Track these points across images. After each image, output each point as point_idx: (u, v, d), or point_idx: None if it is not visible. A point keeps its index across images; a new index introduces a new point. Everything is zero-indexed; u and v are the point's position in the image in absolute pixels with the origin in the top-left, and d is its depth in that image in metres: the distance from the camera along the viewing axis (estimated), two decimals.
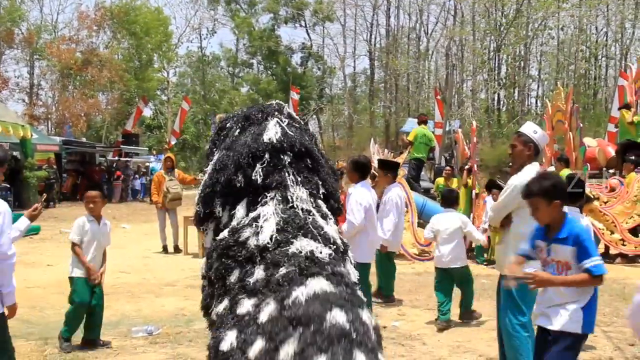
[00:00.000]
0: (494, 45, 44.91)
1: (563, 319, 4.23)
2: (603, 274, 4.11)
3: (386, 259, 9.27)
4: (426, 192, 17.49)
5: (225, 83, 58.81)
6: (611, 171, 15.53)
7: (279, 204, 3.96)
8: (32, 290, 9.39)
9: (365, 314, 3.50)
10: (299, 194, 4.05)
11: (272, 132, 4.28)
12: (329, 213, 4.17)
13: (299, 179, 4.13)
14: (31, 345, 6.82)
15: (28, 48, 44.76)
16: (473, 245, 12.61)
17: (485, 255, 13.02)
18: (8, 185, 21.17)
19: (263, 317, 3.35)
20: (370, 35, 50.31)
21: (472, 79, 45.25)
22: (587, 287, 4.20)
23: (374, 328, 3.48)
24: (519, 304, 5.38)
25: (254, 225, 3.83)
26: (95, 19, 45.24)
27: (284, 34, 53.97)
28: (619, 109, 17.53)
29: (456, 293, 8.29)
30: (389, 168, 9.66)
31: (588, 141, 17.41)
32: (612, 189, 13.80)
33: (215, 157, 4.44)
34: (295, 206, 3.98)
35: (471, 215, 13.65)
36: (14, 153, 24.49)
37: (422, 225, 14.29)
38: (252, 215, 3.95)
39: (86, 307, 6.80)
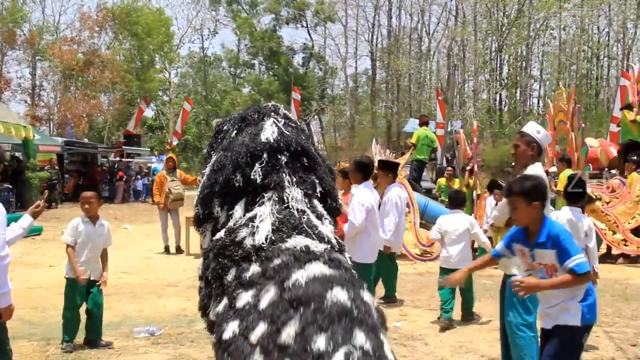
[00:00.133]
0: (495, 45, 44.86)
1: (563, 315, 4.26)
2: (588, 271, 4.10)
3: (388, 260, 9.26)
4: (428, 192, 17.50)
5: (226, 84, 58.84)
6: (613, 171, 15.51)
7: (275, 205, 3.99)
8: (34, 291, 9.39)
9: (366, 295, 3.52)
10: (294, 195, 4.08)
11: (269, 131, 4.32)
12: (324, 213, 4.20)
13: (294, 179, 4.17)
14: (33, 346, 6.82)
15: (30, 49, 44.83)
16: (475, 245, 12.59)
17: None
18: (10, 186, 21.18)
19: (263, 303, 3.38)
20: (372, 35, 50.35)
21: (474, 79, 45.23)
22: (576, 286, 4.19)
23: (376, 309, 3.49)
24: (526, 303, 5.40)
25: (250, 226, 3.87)
26: (97, 20, 45.28)
27: (286, 35, 54.22)
28: (621, 109, 17.51)
29: (457, 294, 8.29)
30: (389, 168, 9.67)
31: (590, 141, 17.40)
32: (613, 190, 13.78)
33: (213, 159, 4.48)
34: (290, 207, 4.01)
35: (473, 216, 13.64)
36: (16, 154, 24.53)
37: (424, 226, 14.32)
38: (248, 215, 3.98)
39: (76, 308, 6.79)
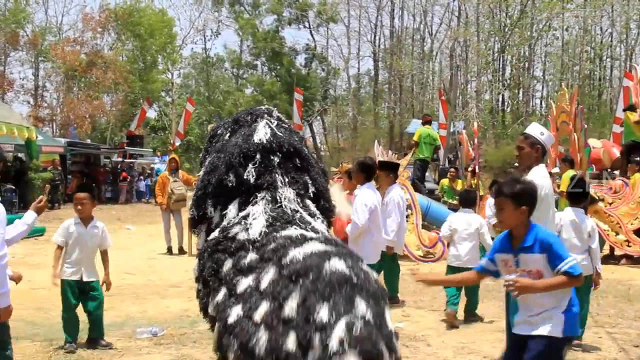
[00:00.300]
0: (498, 46, 44.82)
1: (545, 324, 4.15)
2: (581, 274, 4.05)
3: (390, 260, 9.26)
4: (430, 193, 17.49)
5: (229, 84, 58.84)
6: (616, 172, 15.49)
7: (268, 204, 4.05)
8: (37, 291, 9.39)
9: (364, 265, 3.61)
10: (287, 195, 4.15)
11: (261, 132, 4.38)
12: (317, 212, 4.26)
13: (287, 179, 4.24)
14: (36, 347, 6.82)
15: (33, 50, 44.85)
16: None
17: None
18: (13, 187, 21.21)
19: (264, 283, 3.44)
20: (375, 36, 50.30)
21: (477, 80, 45.14)
22: (568, 288, 4.13)
23: (376, 280, 3.56)
24: None
25: (243, 223, 3.93)
26: (100, 20, 45.30)
27: (288, 35, 54.13)
28: (624, 110, 17.49)
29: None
30: (390, 169, 9.68)
31: (593, 142, 17.38)
32: (615, 192, 13.76)
33: (207, 161, 4.53)
34: (283, 206, 4.08)
35: None
36: (19, 155, 24.57)
37: (426, 227, 14.31)
38: (241, 214, 4.03)
39: (73, 308, 6.79)
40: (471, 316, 8.21)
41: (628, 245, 13.08)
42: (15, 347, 4.97)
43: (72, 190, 29.24)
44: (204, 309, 3.90)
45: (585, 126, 14.96)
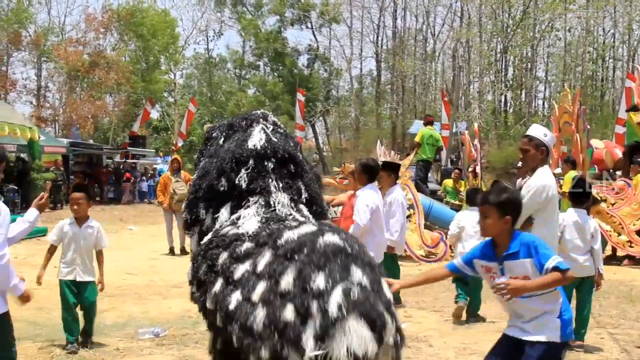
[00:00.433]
0: (500, 46, 44.82)
1: (541, 330, 4.09)
2: (569, 269, 3.98)
3: (390, 261, 9.26)
4: (433, 193, 17.49)
5: (231, 85, 58.86)
6: (618, 173, 15.49)
7: (261, 208, 4.09)
8: (38, 291, 9.35)
9: (359, 241, 3.65)
10: (281, 199, 4.21)
11: (256, 138, 4.43)
12: (310, 216, 4.30)
13: (281, 184, 4.29)
14: (38, 347, 6.84)
15: (35, 50, 44.89)
16: None
17: None
18: (16, 187, 21.25)
19: (260, 266, 3.48)
20: (377, 37, 50.25)
21: (479, 80, 45.15)
22: (563, 284, 4.07)
23: (370, 256, 3.61)
24: None
25: (235, 225, 3.98)
26: (103, 21, 45.33)
27: (291, 36, 54.07)
28: (627, 110, 17.49)
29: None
30: (391, 169, 9.69)
31: (595, 143, 17.40)
32: (617, 192, 13.75)
33: (200, 165, 4.60)
34: (277, 210, 4.14)
35: None
36: (22, 155, 24.61)
37: (428, 227, 14.32)
38: (233, 217, 4.08)
39: (72, 308, 6.80)
40: (473, 317, 8.22)
41: (630, 246, 13.07)
42: (17, 348, 4.96)
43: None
44: (202, 307, 3.92)
45: (588, 127, 14.97)
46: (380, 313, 3.28)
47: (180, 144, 31.38)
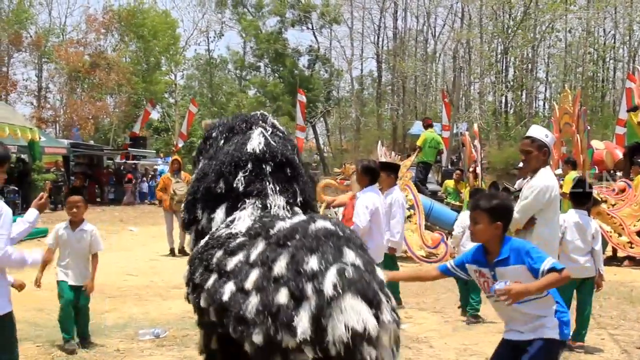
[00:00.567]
0: (501, 47, 44.85)
1: (540, 330, 4.09)
2: (564, 268, 3.93)
3: (390, 261, 9.26)
4: (433, 194, 17.49)
5: (232, 86, 58.86)
6: (619, 174, 15.47)
7: (258, 210, 4.13)
8: (39, 292, 9.38)
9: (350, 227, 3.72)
10: (278, 202, 4.25)
11: (255, 142, 4.49)
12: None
13: (278, 188, 4.34)
14: (38, 348, 6.84)
15: (36, 51, 44.91)
16: None
17: None
18: (16, 188, 21.25)
19: (253, 256, 3.52)
20: (378, 37, 50.27)
21: (480, 81, 45.17)
22: (562, 283, 4.02)
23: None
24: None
25: (230, 227, 4.04)
26: (103, 22, 45.33)
27: (291, 37, 53.91)
28: (628, 111, 17.49)
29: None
30: (391, 169, 9.68)
31: (595, 144, 17.40)
32: (617, 193, 13.74)
33: (199, 166, 4.65)
34: (273, 212, 4.19)
35: None
36: (22, 156, 24.59)
37: (429, 228, 14.31)
38: (229, 218, 4.13)
39: (67, 305, 6.80)
40: (474, 318, 8.21)
41: (631, 247, 13.07)
42: (19, 349, 4.97)
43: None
44: (197, 308, 3.95)
45: (588, 128, 14.96)
46: (376, 292, 3.30)
47: (180, 145, 31.41)
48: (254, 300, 3.31)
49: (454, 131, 27.14)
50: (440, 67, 51.35)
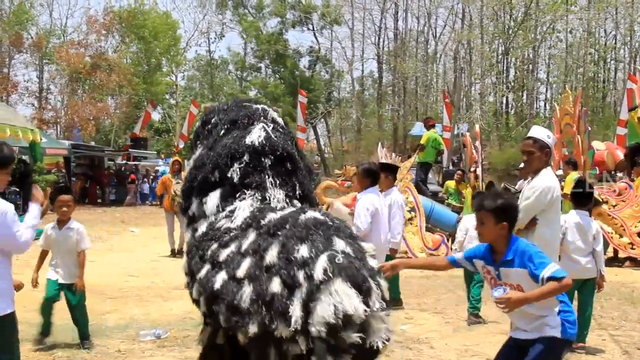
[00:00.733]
0: (502, 48, 44.82)
1: (543, 329, 4.10)
2: (565, 276, 3.94)
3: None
4: (434, 195, 17.49)
5: (233, 87, 58.80)
6: (620, 174, 15.46)
7: (257, 202, 4.17)
8: (40, 293, 9.39)
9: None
10: (277, 195, 4.29)
11: (255, 135, 4.54)
12: None
13: (278, 181, 4.38)
14: (40, 349, 6.83)
15: (37, 52, 44.86)
16: None
17: None
18: (17, 189, 21.23)
19: (245, 246, 3.59)
20: (379, 38, 50.19)
21: (481, 82, 45.16)
22: (562, 292, 4.05)
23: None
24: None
25: (229, 218, 4.10)
26: (104, 23, 45.30)
27: (292, 38, 53.97)
28: (630, 110, 17.47)
29: (461, 297, 8.28)
30: (389, 170, 9.69)
31: (596, 144, 17.39)
32: (619, 194, 13.73)
33: (197, 154, 4.71)
34: (272, 204, 4.24)
35: None
36: (23, 157, 24.59)
37: (430, 229, 14.30)
38: (229, 208, 4.16)
39: (49, 302, 6.85)
40: (474, 318, 8.21)
41: (632, 248, 13.06)
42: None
43: (76, 192, 29.35)
44: (193, 296, 4.00)
45: (589, 128, 14.95)
46: (365, 278, 3.32)
47: (181, 146, 31.41)
48: (247, 290, 3.33)
49: (455, 132, 27.15)
50: (441, 68, 51.35)
